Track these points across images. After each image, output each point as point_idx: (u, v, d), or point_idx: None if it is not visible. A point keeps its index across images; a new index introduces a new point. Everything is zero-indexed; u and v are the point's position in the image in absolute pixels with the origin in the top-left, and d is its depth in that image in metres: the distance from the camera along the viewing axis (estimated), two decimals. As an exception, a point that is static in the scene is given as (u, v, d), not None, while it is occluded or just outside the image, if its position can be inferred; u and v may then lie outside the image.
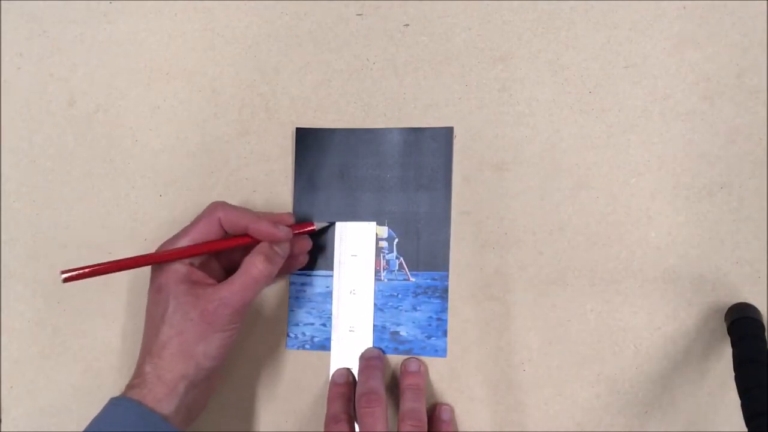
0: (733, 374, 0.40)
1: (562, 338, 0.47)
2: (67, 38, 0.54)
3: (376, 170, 0.48)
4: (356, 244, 0.48)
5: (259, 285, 0.43)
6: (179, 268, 0.43)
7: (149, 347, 0.42)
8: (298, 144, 0.49)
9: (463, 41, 0.49)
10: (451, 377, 0.48)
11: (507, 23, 0.48)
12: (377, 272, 0.48)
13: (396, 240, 0.47)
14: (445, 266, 0.47)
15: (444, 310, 0.47)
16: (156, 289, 0.43)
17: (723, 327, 0.44)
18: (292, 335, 0.49)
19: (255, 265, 0.43)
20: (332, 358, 0.48)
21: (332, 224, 0.48)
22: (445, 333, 0.47)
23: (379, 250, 0.48)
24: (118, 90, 0.53)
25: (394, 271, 0.48)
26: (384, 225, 0.48)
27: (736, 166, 0.45)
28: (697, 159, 0.46)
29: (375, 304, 0.48)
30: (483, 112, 0.48)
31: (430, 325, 0.47)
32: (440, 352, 0.47)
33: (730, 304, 0.45)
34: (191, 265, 0.44)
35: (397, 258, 0.47)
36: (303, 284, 0.49)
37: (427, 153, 0.47)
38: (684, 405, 0.45)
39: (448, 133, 0.47)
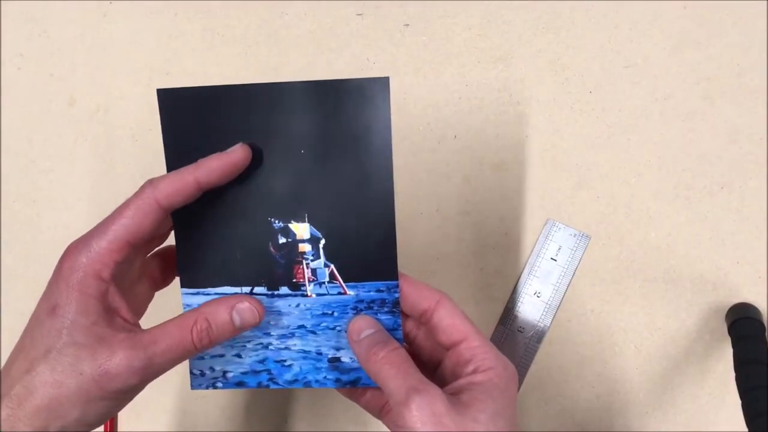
0: (733, 374, 0.40)
1: (562, 338, 0.47)
2: (67, 38, 0.54)
3: (284, 145, 0.34)
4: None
5: (187, 355, 0.33)
6: (93, 285, 0.31)
7: (13, 381, 0.31)
8: (164, 114, 0.34)
9: (463, 41, 0.49)
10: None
11: (507, 23, 0.48)
12: (301, 286, 0.36)
13: (322, 241, 0.35)
14: (392, 272, 0.35)
15: (397, 327, 0.36)
16: (49, 309, 0.31)
17: (723, 327, 0.44)
18: (196, 372, 0.37)
19: (192, 329, 0.33)
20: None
21: None
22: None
23: (300, 256, 0.36)
24: (118, 90, 0.53)
25: (323, 283, 0.36)
26: (304, 221, 0.35)
27: (736, 166, 0.45)
28: (697, 159, 0.46)
29: (304, 327, 0.36)
30: (483, 112, 0.48)
31: None
32: None
33: (730, 305, 0.45)
34: (113, 279, 0.32)
35: (326, 266, 0.36)
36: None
37: (356, 116, 0.34)
38: (684, 405, 0.45)
39: (381, 87, 0.33)
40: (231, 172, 0.33)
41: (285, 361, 0.37)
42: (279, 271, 0.36)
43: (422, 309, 0.35)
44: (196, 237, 0.35)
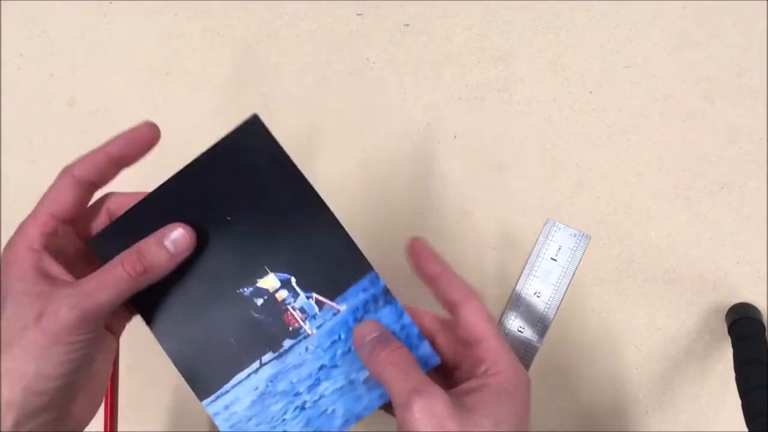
0: (733, 374, 0.40)
1: (563, 338, 0.47)
2: (67, 38, 0.54)
3: (214, 220, 0.36)
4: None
5: (123, 287, 0.33)
6: (26, 256, 0.33)
7: None
8: (100, 257, 0.35)
9: (463, 41, 0.49)
10: (451, 377, 0.48)
11: (507, 23, 0.48)
12: (298, 331, 0.36)
13: (293, 279, 0.36)
14: (365, 266, 0.36)
15: (401, 314, 0.36)
16: None
17: (723, 327, 0.44)
18: None
19: (123, 262, 0.33)
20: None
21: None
22: (420, 337, 0.36)
23: (283, 305, 0.36)
24: (118, 90, 0.53)
25: (316, 315, 0.36)
26: (267, 274, 0.36)
27: (736, 166, 0.45)
28: (697, 159, 0.46)
29: (324, 366, 0.36)
30: (483, 112, 0.48)
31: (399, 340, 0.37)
32: (431, 358, 0.36)
33: (730, 304, 0.45)
34: (46, 250, 0.33)
35: (308, 297, 0.36)
36: (228, 406, 0.36)
37: (250, 162, 0.36)
38: (684, 405, 0.45)
39: (255, 126, 0.35)
40: (139, 146, 0.36)
41: (327, 410, 0.36)
42: (273, 330, 0.36)
43: (451, 299, 0.36)
44: (187, 350, 0.36)
